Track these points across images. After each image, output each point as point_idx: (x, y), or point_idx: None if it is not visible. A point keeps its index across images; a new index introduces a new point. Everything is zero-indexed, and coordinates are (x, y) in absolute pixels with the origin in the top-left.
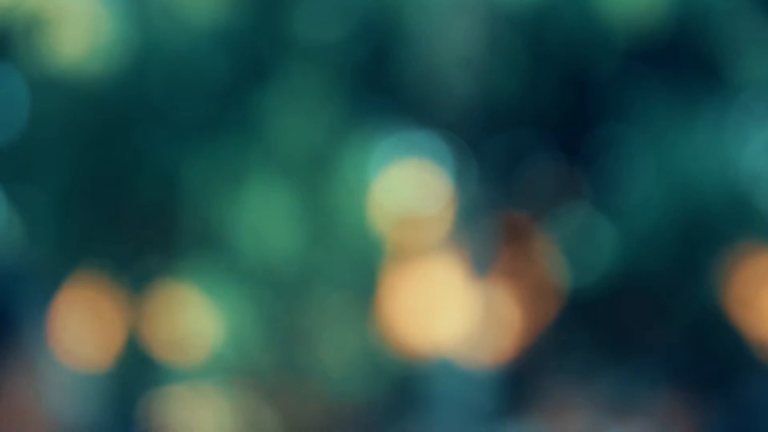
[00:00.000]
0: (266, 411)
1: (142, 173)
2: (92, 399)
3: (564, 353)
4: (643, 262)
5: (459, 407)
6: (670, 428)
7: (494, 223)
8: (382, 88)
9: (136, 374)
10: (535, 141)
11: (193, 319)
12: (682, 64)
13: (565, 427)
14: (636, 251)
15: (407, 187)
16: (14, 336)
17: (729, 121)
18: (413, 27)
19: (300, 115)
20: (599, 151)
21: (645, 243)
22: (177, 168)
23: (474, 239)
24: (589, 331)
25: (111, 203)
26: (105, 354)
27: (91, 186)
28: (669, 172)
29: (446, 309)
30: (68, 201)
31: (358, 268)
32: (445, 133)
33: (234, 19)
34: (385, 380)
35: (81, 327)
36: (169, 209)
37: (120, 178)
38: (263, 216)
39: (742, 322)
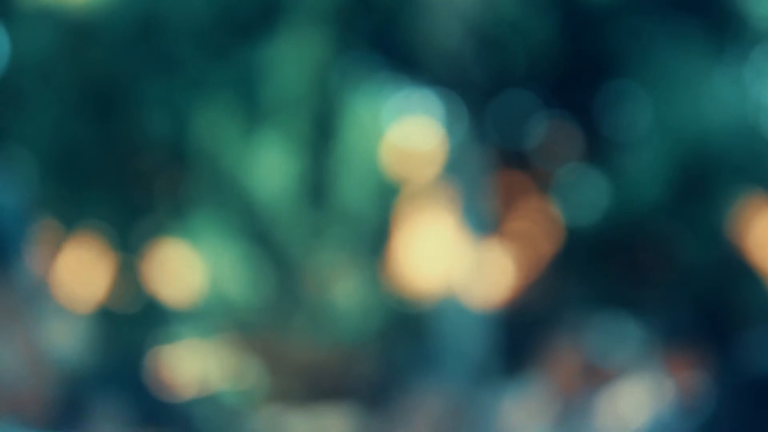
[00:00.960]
0: (279, 356)
1: (147, 124)
2: (89, 342)
3: (561, 297)
4: (646, 211)
5: (461, 345)
6: (670, 376)
7: (494, 177)
8: (388, 46)
9: (136, 319)
10: (538, 97)
11: (196, 267)
12: (691, 11)
13: (561, 371)
14: (639, 201)
15: (410, 142)
16: (13, 278)
17: (739, 69)
18: None
19: (307, 69)
20: (604, 104)
21: (648, 192)
22: (184, 120)
23: (474, 192)
24: (589, 274)
25: (114, 156)
26: (103, 299)
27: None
28: (675, 120)
29: (446, 255)
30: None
31: (365, 218)
32: (446, 90)
33: None
34: (391, 318)
35: (80, 274)
36: (177, 160)
37: (125, 129)
38: (271, 167)
39: (751, 268)
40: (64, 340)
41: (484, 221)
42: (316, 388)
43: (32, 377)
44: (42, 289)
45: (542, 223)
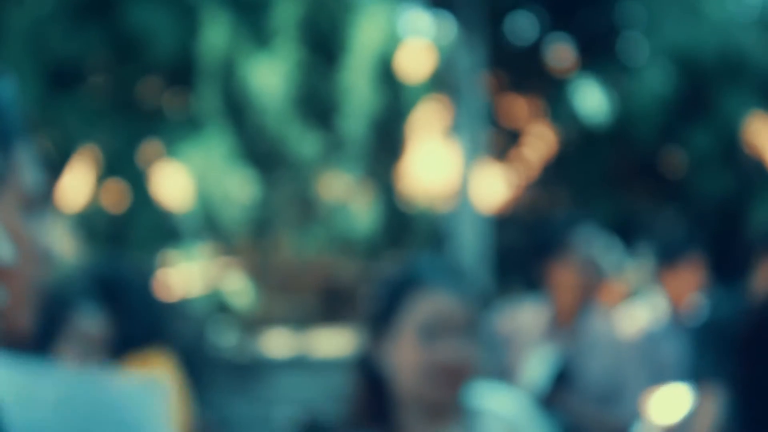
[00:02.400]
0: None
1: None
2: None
3: (556, 199)
4: (638, 122)
5: (466, 246)
6: (667, 290)
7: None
8: None
9: (133, 224)
10: (541, 20)
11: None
12: None
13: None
14: (631, 112)
15: (412, 64)
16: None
17: None
18: None
19: None
20: (601, 26)
21: (642, 105)
22: (189, 37)
23: (476, 111)
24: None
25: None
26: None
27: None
28: (667, 39)
29: (450, 169)
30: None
31: (370, 135)
32: (448, 11)
33: None
34: (402, 221)
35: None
36: (182, 78)
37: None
38: (276, 86)
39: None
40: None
41: (485, 139)
42: (329, 305)
43: (27, 267)
44: (44, 195)
45: (537, 138)
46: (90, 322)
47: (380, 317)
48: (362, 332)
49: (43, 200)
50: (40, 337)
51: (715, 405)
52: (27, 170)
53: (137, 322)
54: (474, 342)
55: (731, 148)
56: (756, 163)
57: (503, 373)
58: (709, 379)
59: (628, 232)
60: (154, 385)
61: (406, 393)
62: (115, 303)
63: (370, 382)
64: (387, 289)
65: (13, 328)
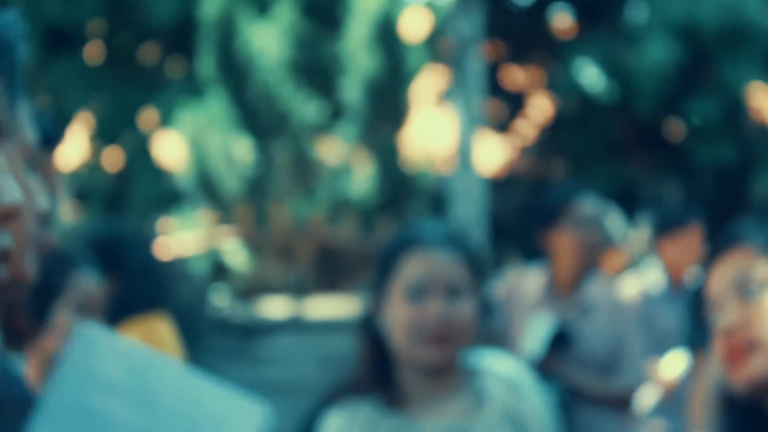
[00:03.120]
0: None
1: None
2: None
3: (555, 167)
4: (638, 91)
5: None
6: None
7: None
8: None
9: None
10: None
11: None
12: None
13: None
14: (641, 82)
15: (413, 31)
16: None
17: None
18: None
19: None
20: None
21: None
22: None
23: (474, 81)
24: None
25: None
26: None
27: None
28: (669, 8)
29: (450, 134)
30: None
31: (370, 102)
32: None
33: None
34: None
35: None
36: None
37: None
38: (280, 46)
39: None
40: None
41: (483, 106)
42: (326, 270)
43: (30, 219)
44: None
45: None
46: (89, 281)
47: (377, 280)
48: (362, 295)
49: (43, 159)
50: (38, 295)
51: (711, 371)
52: (28, 125)
53: (137, 285)
54: (468, 303)
55: (733, 118)
56: (757, 133)
57: (502, 338)
58: (706, 346)
59: (628, 201)
60: (252, 410)
61: (401, 355)
62: (115, 265)
63: (372, 345)
64: (382, 252)
65: (16, 276)
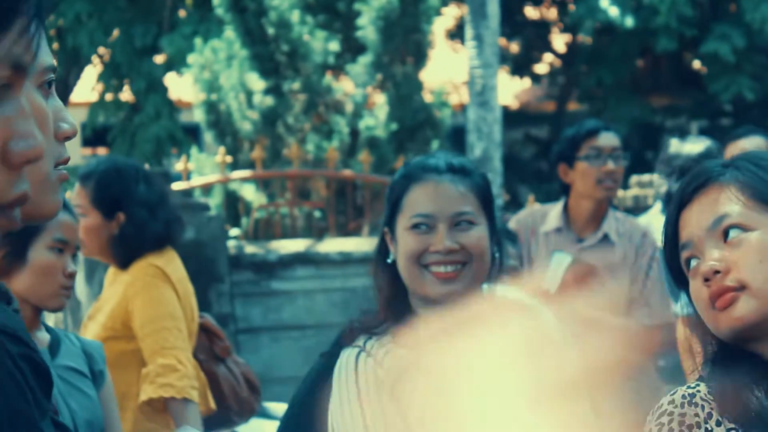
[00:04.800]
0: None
1: None
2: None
3: (575, 101)
4: (659, 26)
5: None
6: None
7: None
8: None
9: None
10: None
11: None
12: None
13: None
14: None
15: None
16: None
17: None
18: None
19: None
20: None
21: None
22: None
23: (492, 15)
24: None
25: None
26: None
27: None
28: None
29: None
30: None
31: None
32: None
33: None
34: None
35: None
36: None
37: None
38: None
39: None
40: None
41: (498, 40)
42: (343, 209)
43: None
44: None
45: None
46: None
47: (387, 212)
48: (376, 229)
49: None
50: (17, 236)
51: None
52: (46, 53)
53: (145, 222)
54: (478, 231)
55: (753, 53)
56: None
57: (515, 271)
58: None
59: (647, 137)
60: None
61: (410, 289)
62: (121, 202)
63: (386, 280)
64: (391, 184)
65: (35, 215)
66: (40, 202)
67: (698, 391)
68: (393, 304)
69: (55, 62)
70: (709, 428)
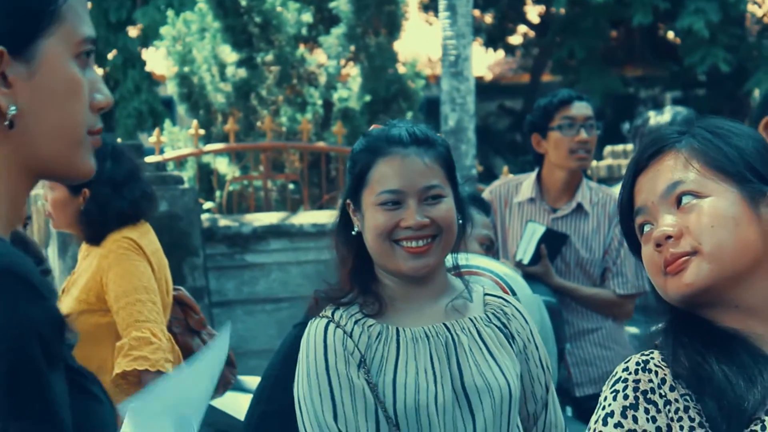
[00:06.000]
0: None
1: None
2: None
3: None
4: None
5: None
6: None
7: None
8: None
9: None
10: None
11: None
12: None
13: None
14: None
15: None
16: None
17: None
18: None
19: None
20: None
21: None
22: None
23: None
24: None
25: None
26: None
27: None
28: None
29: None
30: None
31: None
32: None
33: None
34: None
35: None
36: None
37: None
38: None
39: None
40: None
41: (473, 12)
42: (317, 181)
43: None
44: None
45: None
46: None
47: (350, 185)
48: (342, 203)
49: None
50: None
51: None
52: (87, 23)
53: (113, 197)
54: (445, 204)
55: (727, 24)
56: (752, 38)
57: (489, 242)
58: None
59: (621, 108)
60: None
61: (378, 264)
62: (93, 179)
63: (350, 253)
64: (353, 156)
65: (73, 174)
66: (76, 164)
67: (652, 358)
68: (358, 275)
69: (94, 33)
70: (663, 393)
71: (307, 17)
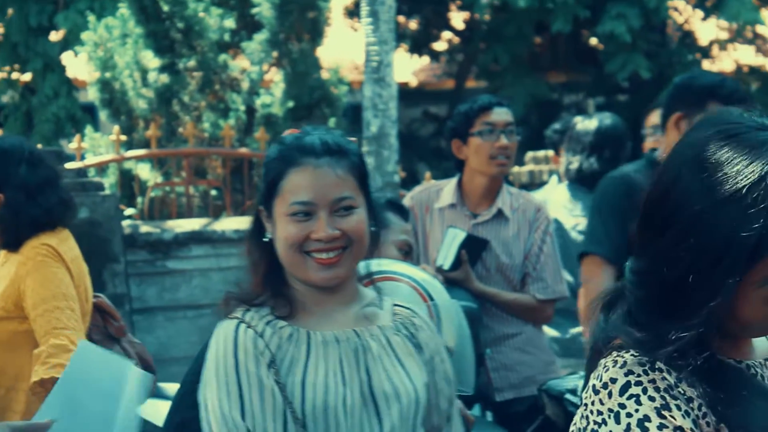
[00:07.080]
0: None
1: None
2: None
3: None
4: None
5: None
6: None
7: None
8: None
9: None
10: None
11: None
12: None
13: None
14: None
15: None
16: None
17: None
18: None
19: None
20: None
21: None
22: None
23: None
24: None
25: None
26: None
27: None
28: None
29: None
30: None
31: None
32: None
33: None
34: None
35: None
36: None
37: None
38: None
39: None
40: None
41: (397, 18)
42: (239, 187)
43: None
44: None
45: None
46: None
47: (263, 193)
48: (255, 209)
49: None
50: None
51: (607, 276)
52: None
53: (28, 202)
54: (357, 215)
55: (649, 32)
56: (673, 46)
57: (409, 248)
58: (598, 252)
59: (545, 113)
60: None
61: (289, 272)
62: (6, 185)
63: (261, 257)
64: (266, 164)
65: None
66: None
67: (651, 360)
68: (270, 279)
69: None
70: (682, 391)
71: (230, 23)
